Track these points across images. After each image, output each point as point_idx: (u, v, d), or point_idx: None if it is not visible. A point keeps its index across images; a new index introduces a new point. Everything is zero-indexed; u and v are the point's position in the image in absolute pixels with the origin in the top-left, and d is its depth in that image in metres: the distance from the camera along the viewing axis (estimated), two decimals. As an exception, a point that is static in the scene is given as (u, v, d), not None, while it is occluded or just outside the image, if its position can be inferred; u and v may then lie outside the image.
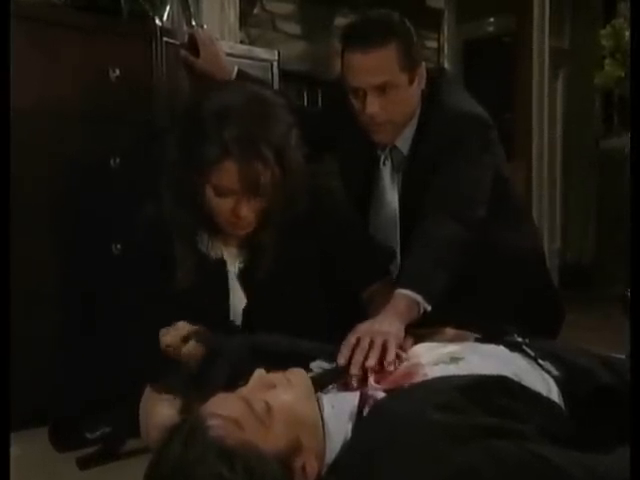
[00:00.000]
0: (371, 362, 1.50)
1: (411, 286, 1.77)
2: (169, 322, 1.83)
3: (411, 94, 2.06)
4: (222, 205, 1.78)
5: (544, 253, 2.44)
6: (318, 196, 1.99)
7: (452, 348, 1.54)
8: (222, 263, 1.93)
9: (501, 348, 1.55)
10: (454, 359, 1.47)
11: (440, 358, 1.49)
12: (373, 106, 2.00)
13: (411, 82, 2.03)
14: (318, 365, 1.62)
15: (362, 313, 1.95)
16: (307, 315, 1.90)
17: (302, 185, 1.85)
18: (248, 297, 1.93)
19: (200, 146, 1.71)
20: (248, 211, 1.78)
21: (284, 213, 1.84)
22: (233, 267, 1.94)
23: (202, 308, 1.87)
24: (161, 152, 1.86)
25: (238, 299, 1.95)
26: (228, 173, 1.72)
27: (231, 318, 1.96)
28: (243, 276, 1.93)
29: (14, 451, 1.47)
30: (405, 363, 1.52)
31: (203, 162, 1.72)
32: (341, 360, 1.54)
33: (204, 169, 1.74)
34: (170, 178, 1.83)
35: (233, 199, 1.76)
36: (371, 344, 1.55)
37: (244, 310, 1.95)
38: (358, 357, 1.52)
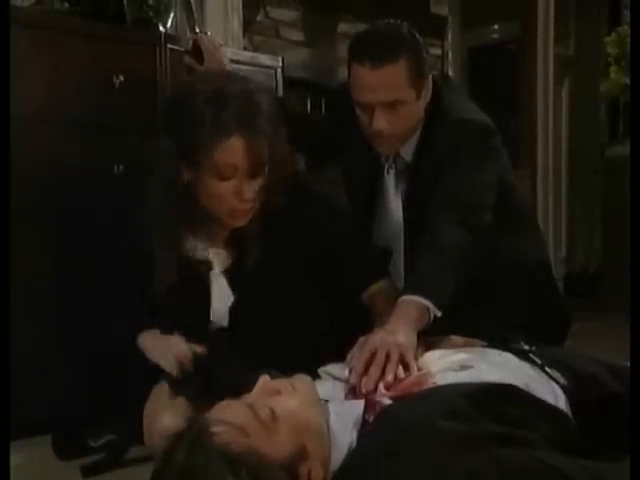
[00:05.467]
0: (389, 378, 1.47)
1: (420, 292, 1.75)
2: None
3: (418, 108, 2.04)
4: (225, 190, 1.77)
5: (550, 261, 2.42)
6: (310, 199, 2.00)
7: (462, 356, 1.53)
8: (206, 264, 1.93)
9: (510, 356, 1.54)
10: (464, 367, 1.46)
11: (450, 366, 1.48)
12: (380, 122, 1.98)
13: (418, 97, 2.01)
14: (325, 370, 1.61)
15: (364, 314, 1.95)
16: (298, 314, 1.89)
17: (288, 172, 1.88)
18: (236, 295, 1.92)
19: (199, 131, 1.72)
20: (250, 192, 1.78)
21: (272, 200, 1.85)
22: (220, 266, 1.93)
23: (183, 310, 1.87)
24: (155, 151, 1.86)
25: (224, 298, 1.94)
26: (234, 150, 1.73)
27: (213, 319, 1.95)
28: (231, 275, 1.93)
29: (15, 460, 1.46)
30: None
31: (203, 147, 1.72)
32: (354, 378, 1.50)
33: (204, 154, 1.73)
34: (161, 175, 1.83)
35: (236, 181, 1.77)
36: (387, 358, 1.52)
37: (231, 309, 1.94)
38: (374, 373, 1.49)
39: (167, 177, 1.81)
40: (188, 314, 1.89)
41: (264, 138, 1.75)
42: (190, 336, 1.81)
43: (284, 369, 1.46)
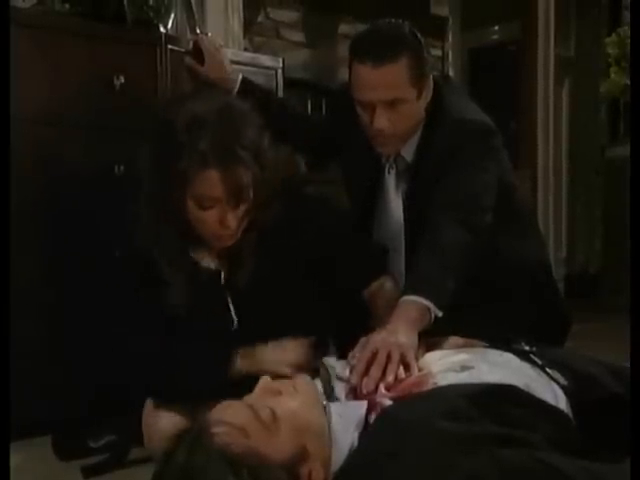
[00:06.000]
0: (390, 378, 1.47)
1: (421, 292, 1.75)
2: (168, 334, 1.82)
3: (419, 107, 2.04)
4: (207, 218, 1.75)
5: (550, 262, 2.42)
6: (303, 202, 1.99)
7: (462, 357, 1.53)
8: (214, 272, 1.91)
9: (511, 357, 1.54)
10: (464, 367, 1.46)
11: (450, 367, 1.48)
12: (381, 121, 1.98)
13: (419, 96, 2.01)
14: (328, 362, 1.61)
15: (364, 314, 1.94)
16: (296, 321, 1.88)
17: (276, 186, 1.84)
18: (233, 304, 1.92)
19: (177, 160, 1.69)
20: (233, 219, 1.76)
21: (262, 217, 1.84)
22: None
23: (202, 319, 1.85)
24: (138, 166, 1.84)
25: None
26: (210, 182, 1.69)
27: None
28: (226, 284, 1.92)
29: (16, 460, 1.46)
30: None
31: (182, 176, 1.70)
32: (355, 378, 1.50)
33: (184, 183, 1.71)
34: (148, 193, 1.81)
35: (218, 210, 1.74)
36: (388, 359, 1.52)
37: None
38: (375, 373, 1.49)
39: (153, 196, 1.79)
40: (205, 322, 1.87)
41: (243, 167, 1.71)
42: (206, 342, 1.81)
43: None
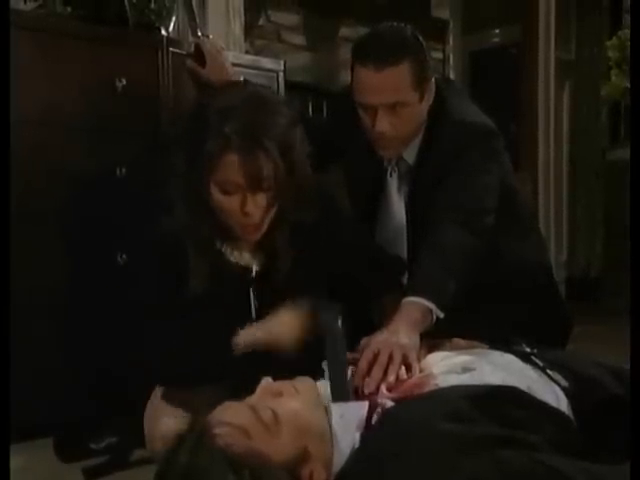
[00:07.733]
0: (391, 378, 1.48)
1: (423, 293, 1.75)
2: (179, 332, 1.81)
3: (421, 110, 2.04)
4: (229, 204, 1.75)
5: (551, 264, 2.43)
6: (325, 204, 1.98)
7: (464, 358, 1.53)
8: (242, 267, 1.90)
9: (513, 359, 1.54)
10: (466, 369, 1.46)
11: (452, 368, 1.48)
12: (383, 124, 1.98)
13: (421, 99, 2.01)
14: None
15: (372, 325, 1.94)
16: None
17: (311, 183, 1.84)
18: (261, 302, 1.91)
19: (202, 143, 1.71)
20: (254, 207, 1.75)
21: (296, 214, 1.83)
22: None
23: (223, 314, 1.85)
24: (169, 160, 1.85)
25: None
26: (231, 166, 1.70)
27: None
28: (256, 281, 1.92)
29: (18, 462, 1.47)
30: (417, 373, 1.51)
31: (206, 158, 1.71)
32: (356, 378, 1.51)
33: (208, 166, 1.72)
34: (179, 185, 1.82)
35: (239, 196, 1.74)
36: (390, 359, 1.52)
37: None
38: (376, 374, 1.49)
39: (184, 187, 1.80)
40: (230, 316, 1.85)
41: (264, 155, 1.70)
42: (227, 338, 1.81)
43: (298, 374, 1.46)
